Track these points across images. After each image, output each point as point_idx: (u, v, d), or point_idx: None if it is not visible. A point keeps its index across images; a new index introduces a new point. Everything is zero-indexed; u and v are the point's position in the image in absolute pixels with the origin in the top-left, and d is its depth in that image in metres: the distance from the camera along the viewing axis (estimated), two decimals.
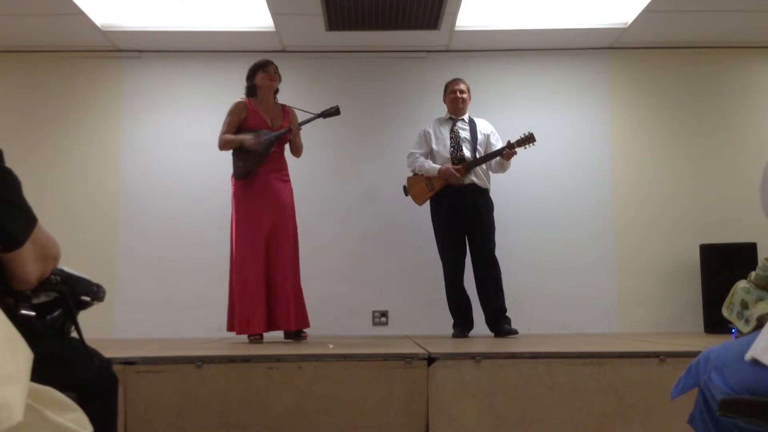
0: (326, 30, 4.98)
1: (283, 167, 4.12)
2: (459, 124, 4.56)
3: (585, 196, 5.29)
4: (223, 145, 4.08)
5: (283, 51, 5.35)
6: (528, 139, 4.37)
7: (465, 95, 4.57)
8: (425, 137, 4.59)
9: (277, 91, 4.17)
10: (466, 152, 4.45)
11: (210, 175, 5.21)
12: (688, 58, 5.42)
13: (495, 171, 4.53)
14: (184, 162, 5.28)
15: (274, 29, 5.00)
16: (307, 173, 4.83)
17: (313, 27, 4.95)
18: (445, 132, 4.55)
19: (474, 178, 4.43)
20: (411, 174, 4.60)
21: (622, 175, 5.33)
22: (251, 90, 4.12)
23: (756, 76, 5.45)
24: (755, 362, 1.21)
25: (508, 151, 4.32)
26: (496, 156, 4.41)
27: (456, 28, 5.01)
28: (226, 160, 4.83)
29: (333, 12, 4.69)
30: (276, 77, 4.09)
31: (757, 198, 1.36)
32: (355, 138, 5.31)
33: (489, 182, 4.54)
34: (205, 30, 5.03)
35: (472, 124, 4.57)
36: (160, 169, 5.27)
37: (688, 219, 5.25)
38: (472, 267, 4.48)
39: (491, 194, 4.54)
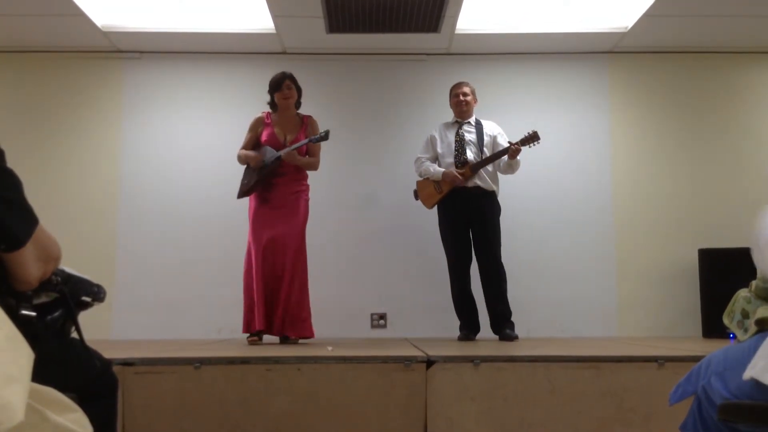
0: (327, 32, 4.99)
1: (300, 178, 4.14)
2: (465, 127, 4.57)
3: (585, 200, 5.29)
4: (238, 160, 4.20)
5: (284, 53, 5.35)
6: (532, 138, 4.36)
7: (468, 98, 4.58)
8: (431, 142, 4.61)
9: (298, 102, 4.20)
10: (470, 155, 4.45)
11: (210, 176, 5.22)
12: (687, 63, 5.43)
13: (504, 172, 4.53)
14: (185, 164, 5.28)
15: (274, 31, 5.01)
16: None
17: (314, 29, 4.95)
18: (451, 136, 4.56)
19: (478, 181, 4.42)
20: (419, 178, 4.62)
21: (622, 179, 5.34)
22: (273, 104, 4.19)
23: (755, 80, 5.46)
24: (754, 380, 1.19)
25: (513, 149, 4.31)
26: (500, 156, 4.40)
27: (456, 32, 5.02)
28: (225, 162, 4.84)
29: (333, 14, 4.70)
30: (290, 93, 4.11)
31: (755, 257, 1.33)
32: (355, 140, 5.31)
33: (497, 185, 4.53)
34: (206, 31, 5.04)
35: (479, 127, 4.57)
36: (161, 171, 5.27)
37: (687, 223, 5.26)
38: (478, 271, 4.49)
39: (499, 198, 4.55)
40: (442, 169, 4.46)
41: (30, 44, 5.23)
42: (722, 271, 4.66)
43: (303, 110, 4.26)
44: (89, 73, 5.35)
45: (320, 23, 4.85)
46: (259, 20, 4.89)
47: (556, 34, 5.11)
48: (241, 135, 4.24)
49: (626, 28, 5.00)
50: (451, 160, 4.48)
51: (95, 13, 4.79)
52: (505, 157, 4.40)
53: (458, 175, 4.36)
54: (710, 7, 4.67)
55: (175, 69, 5.40)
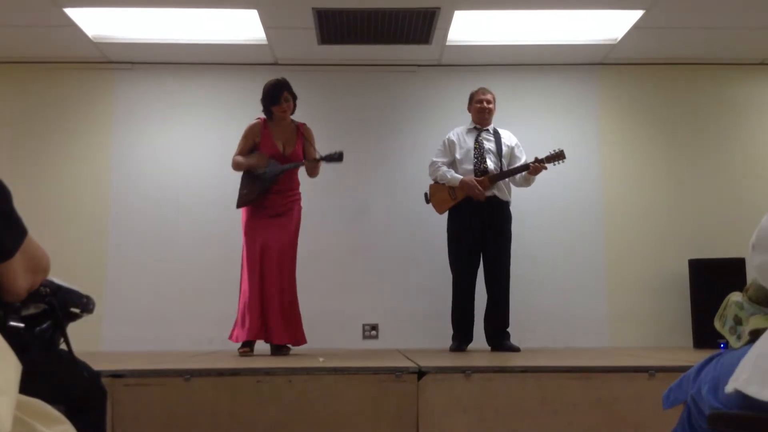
0: (318, 44, 5.01)
1: (292, 187, 4.14)
2: (484, 134, 4.52)
3: (575, 211, 5.31)
4: (235, 167, 4.12)
5: (275, 64, 5.36)
6: (557, 156, 4.32)
7: (491, 105, 4.54)
8: (449, 146, 4.52)
9: (293, 109, 4.17)
10: (490, 164, 4.41)
11: (202, 187, 5.21)
12: (676, 75, 5.47)
13: (519, 185, 4.50)
14: (176, 175, 5.26)
15: (266, 42, 5.02)
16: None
17: (305, 40, 4.97)
18: (470, 142, 4.50)
19: (495, 191, 4.39)
20: (432, 182, 4.54)
21: (612, 190, 5.36)
22: (267, 113, 4.12)
23: (744, 92, 5.50)
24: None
25: (536, 166, 4.29)
26: (521, 171, 4.36)
27: (447, 43, 5.04)
28: (217, 172, 4.84)
29: (325, 26, 4.72)
30: (288, 106, 4.06)
31: (750, 257, 1.32)
32: (346, 150, 5.27)
33: (510, 194, 4.51)
34: (198, 42, 5.04)
35: (497, 136, 4.54)
36: (152, 181, 5.26)
37: (677, 234, 5.28)
38: (484, 280, 4.47)
39: (511, 207, 4.54)
40: (460, 176, 4.39)
41: (21, 55, 5.22)
42: (712, 282, 4.68)
43: (295, 119, 4.25)
44: (80, 83, 5.34)
45: (312, 34, 4.86)
46: (251, 31, 4.90)
47: (546, 46, 5.14)
48: (233, 146, 4.21)
49: (615, 40, 5.04)
50: (470, 167, 4.42)
51: (87, 23, 4.78)
52: (525, 172, 4.36)
53: (478, 187, 4.29)
54: (698, 19, 4.71)
55: (167, 80, 5.40)
